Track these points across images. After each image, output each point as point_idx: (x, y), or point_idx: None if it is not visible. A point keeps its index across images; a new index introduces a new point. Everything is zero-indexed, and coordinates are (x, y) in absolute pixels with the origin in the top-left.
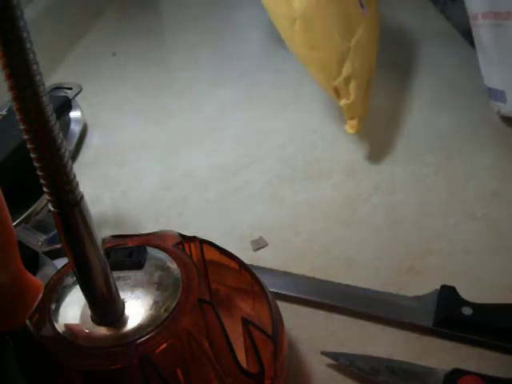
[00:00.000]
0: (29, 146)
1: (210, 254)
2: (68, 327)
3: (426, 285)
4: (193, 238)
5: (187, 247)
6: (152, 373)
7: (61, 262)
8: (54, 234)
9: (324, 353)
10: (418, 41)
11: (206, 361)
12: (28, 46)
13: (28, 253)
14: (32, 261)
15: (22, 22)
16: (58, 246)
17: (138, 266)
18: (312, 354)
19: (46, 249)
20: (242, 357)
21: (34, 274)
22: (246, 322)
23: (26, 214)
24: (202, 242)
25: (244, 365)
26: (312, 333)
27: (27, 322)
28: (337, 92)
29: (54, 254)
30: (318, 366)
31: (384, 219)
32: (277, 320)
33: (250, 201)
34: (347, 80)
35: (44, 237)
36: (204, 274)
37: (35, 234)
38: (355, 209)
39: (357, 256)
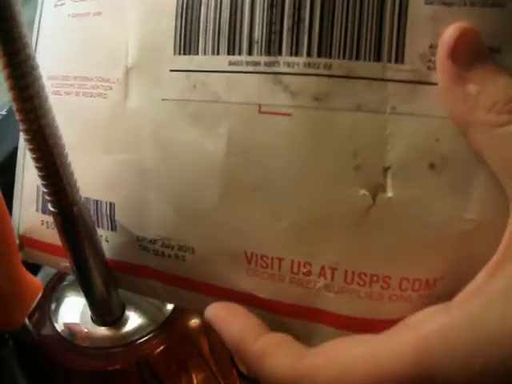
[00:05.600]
0: (29, 146)
1: None
2: (68, 327)
3: None
4: None
5: None
6: (149, 374)
7: None
8: None
9: None
10: None
11: (204, 364)
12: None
13: None
14: None
15: (21, 22)
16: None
17: None
18: None
19: None
20: None
21: (37, 272)
22: None
23: None
24: None
25: (243, 368)
26: None
27: (27, 321)
28: None
29: None
30: None
31: None
32: None
33: None
34: None
35: None
36: None
37: None
38: None
39: None
